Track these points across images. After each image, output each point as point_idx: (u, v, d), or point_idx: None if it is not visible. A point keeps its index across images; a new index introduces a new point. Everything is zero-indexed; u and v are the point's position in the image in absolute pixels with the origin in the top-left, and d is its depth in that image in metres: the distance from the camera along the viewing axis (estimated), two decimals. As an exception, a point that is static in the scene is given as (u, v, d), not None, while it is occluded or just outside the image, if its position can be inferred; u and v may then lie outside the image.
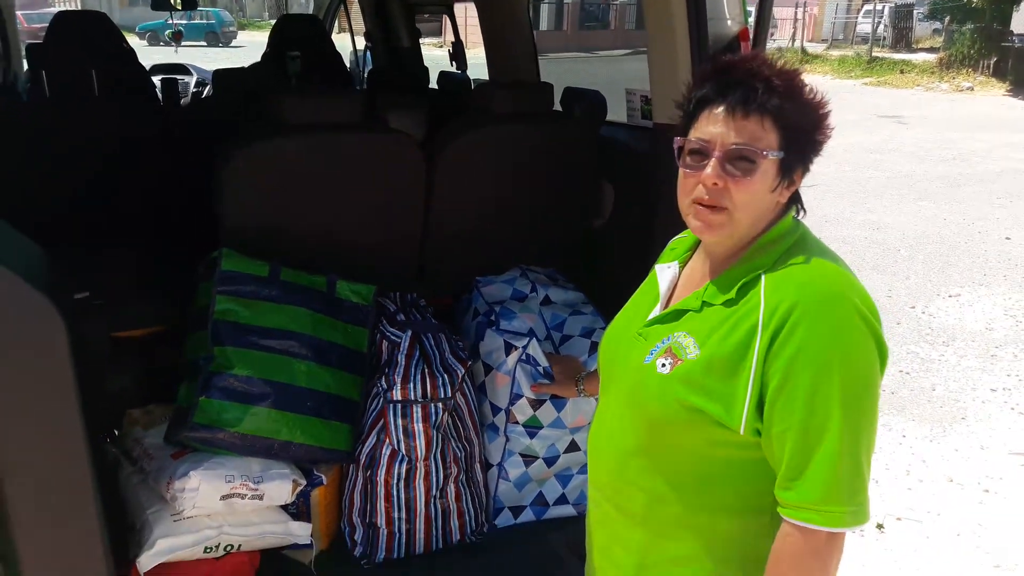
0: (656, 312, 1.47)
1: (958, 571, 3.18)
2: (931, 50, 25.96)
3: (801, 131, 1.32)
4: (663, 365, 1.36)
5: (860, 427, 1.26)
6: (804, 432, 1.24)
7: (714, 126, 1.32)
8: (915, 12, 29.41)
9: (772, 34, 29.28)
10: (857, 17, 31.32)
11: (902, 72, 22.17)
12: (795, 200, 1.41)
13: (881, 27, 28.34)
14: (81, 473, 1.75)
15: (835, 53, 26.61)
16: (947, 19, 23.89)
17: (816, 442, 1.24)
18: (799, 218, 1.44)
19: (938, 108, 17.23)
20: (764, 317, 1.27)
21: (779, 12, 30.78)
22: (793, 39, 28.55)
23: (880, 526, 3.44)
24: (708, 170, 1.31)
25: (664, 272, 1.52)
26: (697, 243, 1.51)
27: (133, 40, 22.91)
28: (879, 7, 27.75)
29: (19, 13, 16.95)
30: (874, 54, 24.70)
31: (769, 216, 1.37)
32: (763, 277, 1.32)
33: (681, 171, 1.36)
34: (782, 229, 1.38)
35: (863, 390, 1.26)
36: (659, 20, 2.26)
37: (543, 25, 28.20)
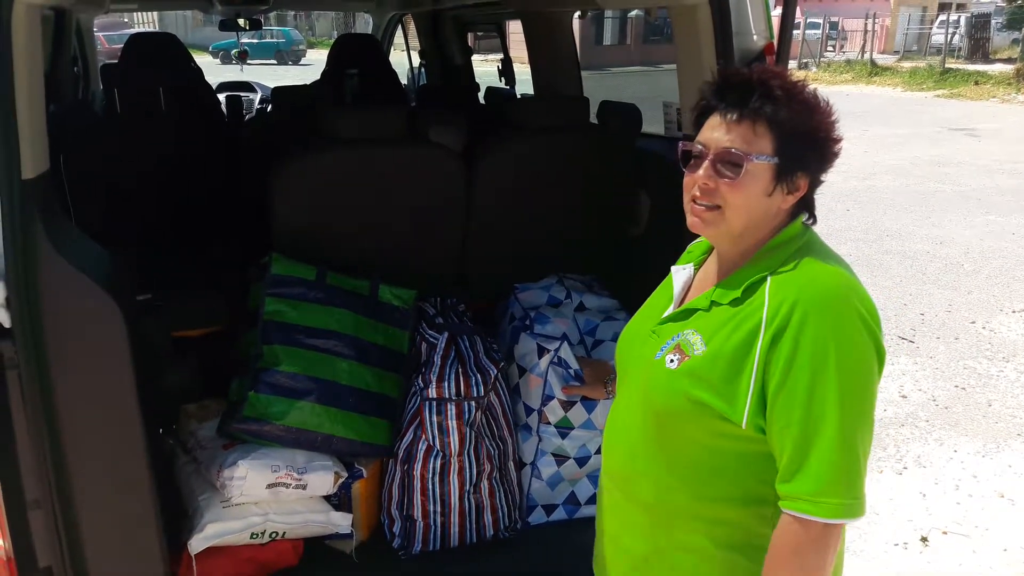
0: (670, 311, 1.55)
1: (1003, 586, 3.14)
2: (1008, 61, 25.11)
3: (799, 138, 1.38)
4: (671, 361, 1.44)
5: (857, 424, 1.32)
6: (803, 428, 1.31)
7: (711, 131, 1.42)
8: (993, 22, 28.55)
9: (842, 46, 28.63)
10: (931, 28, 30.52)
11: (977, 84, 21.49)
12: (805, 207, 1.47)
13: (956, 38, 27.59)
14: (139, 462, 1.91)
15: (906, 65, 25.98)
16: (1025, 29, 23.14)
17: (813, 438, 1.30)
18: (808, 224, 1.50)
19: (1013, 120, 16.67)
20: (767, 317, 1.35)
21: (848, 24, 30.33)
22: (863, 51, 27.95)
23: (924, 539, 3.41)
24: (700, 171, 1.41)
25: (679, 274, 1.60)
26: (711, 248, 1.58)
27: (206, 59, 23.76)
28: (954, 17, 27.02)
29: (100, 34, 17.77)
30: (948, 65, 24.02)
31: (771, 221, 1.44)
32: (768, 279, 1.39)
33: (685, 172, 1.46)
34: (789, 234, 1.45)
35: (860, 389, 1.32)
36: (687, 35, 2.33)
37: (607, 40, 28.22)
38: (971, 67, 24.25)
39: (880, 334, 1.37)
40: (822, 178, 1.45)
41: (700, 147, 1.42)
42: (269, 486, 2.20)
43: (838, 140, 1.43)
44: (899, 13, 34.19)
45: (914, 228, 8.37)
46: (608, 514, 1.64)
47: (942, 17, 28.77)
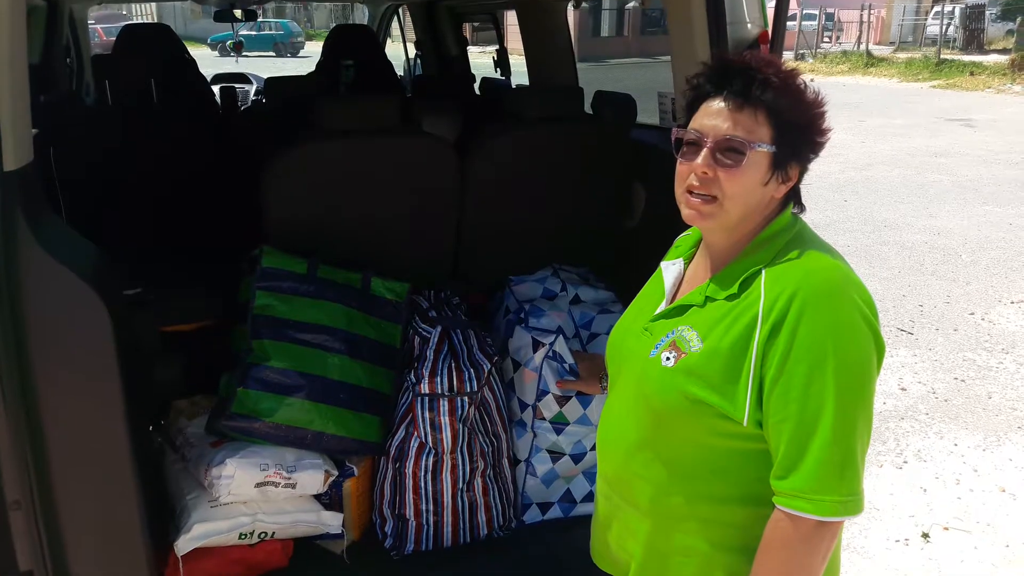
0: (662, 308, 1.51)
1: (1005, 582, 3.11)
2: (1004, 51, 25.10)
3: (795, 127, 1.35)
4: (667, 358, 1.40)
5: (855, 419, 1.28)
6: (799, 422, 1.27)
7: (709, 118, 1.36)
8: (987, 13, 28.51)
9: (837, 37, 28.68)
10: (926, 19, 30.52)
11: (972, 74, 21.48)
12: (793, 197, 1.44)
13: (951, 29, 27.56)
14: (124, 461, 1.86)
15: (902, 56, 25.96)
16: (1020, 19, 23.10)
17: (810, 432, 1.27)
18: (796, 213, 1.46)
19: (1009, 111, 16.64)
20: (764, 310, 1.31)
21: (844, 15, 30.29)
22: (859, 42, 27.93)
23: (925, 535, 3.37)
24: (699, 159, 1.35)
25: (669, 269, 1.56)
26: (700, 240, 1.54)
27: (204, 51, 23.65)
28: (949, 8, 26.99)
29: (99, 27, 17.69)
30: (943, 56, 24.00)
31: (764, 211, 1.40)
32: (763, 272, 1.35)
33: (678, 161, 1.40)
34: (780, 225, 1.41)
35: (858, 383, 1.29)
36: (680, 24, 2.30)
37: (604, 31, 28.18)
38: (966, 58, 24.25)
39: (878, 326, 1.34)
40: (808, 166, 1.42)
41: (696, 134, 1.37)
42: (258, 485, 2.16)
43: (828, 130, 1.40)
44: (894, 4, 34.12)
45: (912, 219, 8.33)
46: (608, 519, 1.60)
47: (937, 8, 28.78)
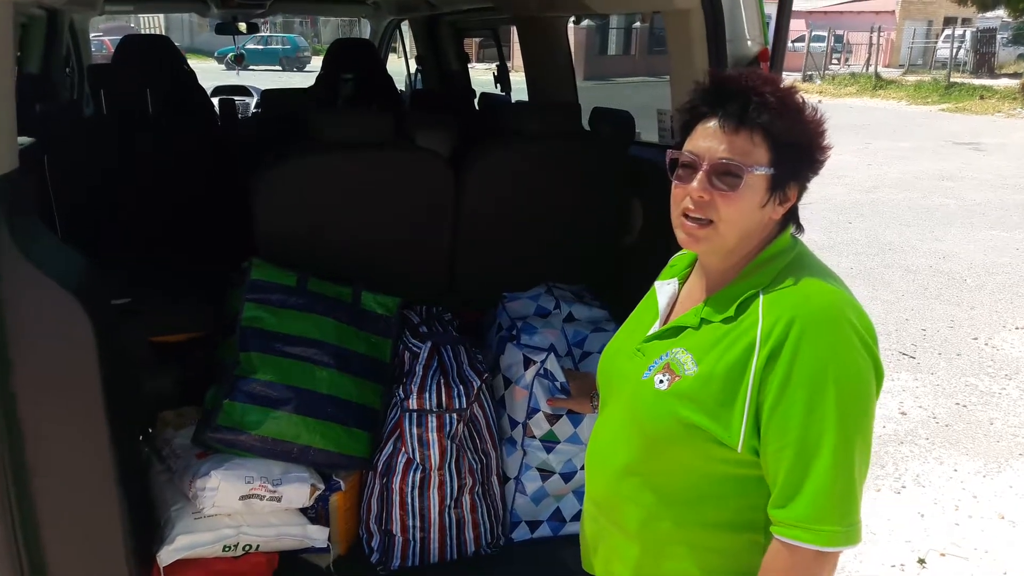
0: (655, 328, 1.48)
1: (1001, 610, 3.06)
2: (1014, 76, 25.07)
3: (793, 148, 1.32)
4: (661, 381, 1.37)
5: (854, 447, 1.25)
6: (799, 451, 1.24)
7: (704, 140, 1.33)
8: (998, 36, 28.50)
9: (847, 59, 28.68)
10: (937, 42, 30.48)
11: (982, 98, 21.42)
12: (792, 218, 1.41)
13: (962, 52, 27.54)
14: (106, 472, 1.84)
15: (911, 78, 25.94)
16: (1032, 44, 23.12)
17: (810, 461, 1.24)
18: (796, 235, 1.44)
19: (1018, 136, 16.54)
20: (762, 335, 1.28)
21: (854, 37, 30.32)
22: (868, 64, 27.92)
23: (922, 561, 3.33)
24: (695, 183, 1.32)
25: (663, 289, 1.53)
26: (695, 260, 1.51)
27: (211, 64, 23.77)
28: (960, 32, 26.99)
29: (106, 39, 17.81)
30: (953, 80, 23.98)
31: (762, 232, 1.37)
32: (761, 295, 1.32)
33: (673, 183, 1.37)
34: (779, 247, 1.38)
35: (858, 410, 1.26)
36: (680, 40, 2.29)
37: (611, 50, 28.27)
38: (976, 81, 24.21)
39: (878, 352, 1.31)
40: (807, 185, 1.39)
41: (692, 156, 1.34)
42: (242, 498, 2.14)
43: (828, 148, 1.37)
44: (904, 27, 34.18)
45: (917, 242, 8.29)
46: (596, 542, 1.57)
47: (947, 31, 28.74)
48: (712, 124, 1.33)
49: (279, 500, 2.19)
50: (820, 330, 1.26)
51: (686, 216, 1.35)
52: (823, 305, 1.29)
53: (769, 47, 2.22)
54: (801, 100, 1.35)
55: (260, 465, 2.19)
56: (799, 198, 1.39)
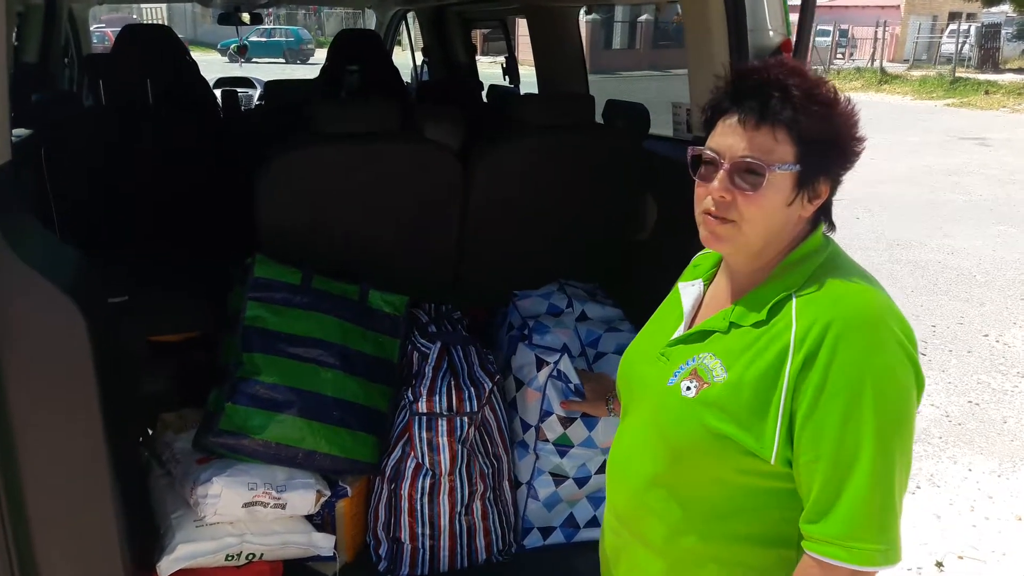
0: (680, 332, 1.41)
1: (1022, 616, 3.00)
2: (1019, 71, 25.03)
3: (821, 143, 1.25)
4: (688, 388, 1.30)
5: (894, 459, 1.19)
6: (834, 463, 1.18)
7: (725, 137, 1.27)
8: (1003, 32, 28.41)
9: (851, 54, 28.68)
10: (941, 37, 30.41)
11: (987, 93, 21.37)
12: (823, 214, 1.35)
13: (966, 47, 27.45)
14: (101, 477, 1.77)
15: (916, 73, 25.85)
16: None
17: (846, 474, 1.17)
18: (828, 234, 1.37)
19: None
20: (796, 339, 1.22)
21: (858, 31, 30.24)
22: (872, 59, 27.85)
23: (939, 564, 3.27)
24: (716, 183, 1.26)
25: (688, 290, 1.46)
26: (721, 260, 1.45)
27: (214, 56, 23.71)
28: (965, 26, 26.89)
29: (108, 30, 17.73)
30: (958, 74, 23.90)
31: (791, 232, 1.31)
32: (793, 298, 1.26)
33: (695, 182, 1.31)
34: (811, 247, 1.32)
35: (898, 419, 1.20)
36: (698, 30, 2.21)
37: (616, 44, 28.17)
38: (981, 76, 24.14)
39: (918, 358, 1.24)
40: (841, 180, 1.32)
41: (712, 154, 1.28)
42: (246, 505, 2.07)
43: (861, 140, 1.30)
44: (909, 22, 34.07)
45: (925, 238, 8.22)
46: (617, 555, 1.50)
47: (952, 26, 28.67)
48: (733, 120, 1.27)
49: (283, 507, 2.12)
50: (858, 334, 1.19)
51: (708, 215, 1.29)
52: (861, 308, 1.22)
53: (792, 37, 2.14)
54: (832, 92, 1.28)
55: (264, 471, 2.12)
56: (832, 194, 1.32)
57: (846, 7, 32.62)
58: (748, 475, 1.26)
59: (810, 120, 1.24)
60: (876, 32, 27.72)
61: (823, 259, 1.30)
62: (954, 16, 31.85)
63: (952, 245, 7.98)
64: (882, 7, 32.85)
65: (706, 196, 1.28)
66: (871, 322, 1.21)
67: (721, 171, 1.26)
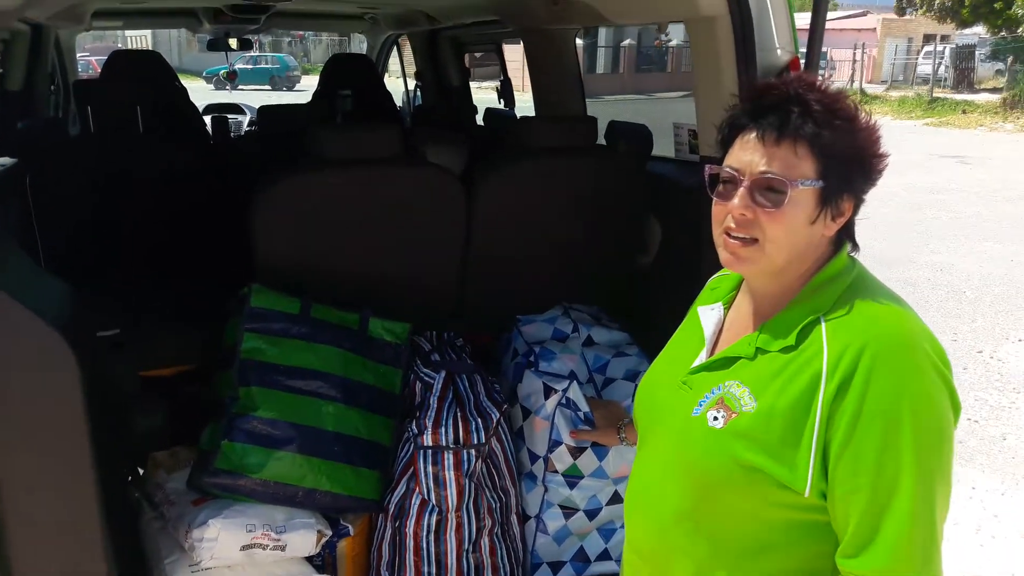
0: (702, 358, 1.36)
1: (1036, 639, 2.94)
2: (994, 91, 25.44)
3: (843, 158, 1.22)
4: (715, 418, 1.25)
5: (934, 487, 1.14)
6: (873, 493, 1.13)
7: (745, 153, 1.24)
8: (977, 52, 28.89)
9: (830, 76, 29.04)
10: (917, 58, 30.92)
11: (964, 112, 21.75)
12: (846, 234, 1.31)
13: (942, 68, 27.86)
14: (91, 519, 1.68)
15: (895, 94, 26.24)
16: (1010, 59, 23.41)
17: (886, 504, 1.13)
18: (852, 253, 1.33)
19: (1002, 148, 16.80)
20: (828, 365, 1.17)
21: (837, 54, 30.65)
22: (852, 80, 28.25)
23: (951, 589, 3.21)
24: (735, 200, 1.23)
25: (708, 314, 1.41)
26: (740, 282, 1.40)
27: (199, 84, 23.68)
28: (940, 48, 27.31)
29: (92, 58, 17.68)
30: (935, 95, 24.27)
31: (816, 251, 1.27)
32: (823, 321, 1.22)
33: (713, 201, 1.28)
34: (837, 268, 1.28)
35: (938, 446, 1.15)
36: (705, 49, 2.17)
37: (599, 68, 28.38)
38: (958, 96, 24.53)
39: (953, 382, 1.20)
40: (864, 197, 1.29)
41: (731, 171, 1.24)
42: (244, 548, 1.98)
43: (883, 156, 1.27)
44: (886, 44, 34.63)
45: (914, 255, 8.26)
46: None
47: (928, 48, 29.09)
48: (752, 136, 1.23)
49: (283, 549, 2.03)
50: (893, 358, 1.15)
51: (728, 235, 1.24)
52: (894, 331, 1.18)
53: (799, 56, 2.11)
54: (853, 107, 1.25)
55: (262, 511, 2.03)
56: (855, 212, 1.28)
57: (824, 30, 33.22)
58: (780, 508, 1.21)
59: (832, 134, 1.21)
60: (854, 54, 28.12)
61: (851, 280, 1.27)
62: (929, 38, 32.34)
63: (940, 262, 8.02)
64: (858, 30, 33.47)
65: (726, 215, 1.25)
66: (906, 346, 1.16)
67: (741, 188, 1.22)
